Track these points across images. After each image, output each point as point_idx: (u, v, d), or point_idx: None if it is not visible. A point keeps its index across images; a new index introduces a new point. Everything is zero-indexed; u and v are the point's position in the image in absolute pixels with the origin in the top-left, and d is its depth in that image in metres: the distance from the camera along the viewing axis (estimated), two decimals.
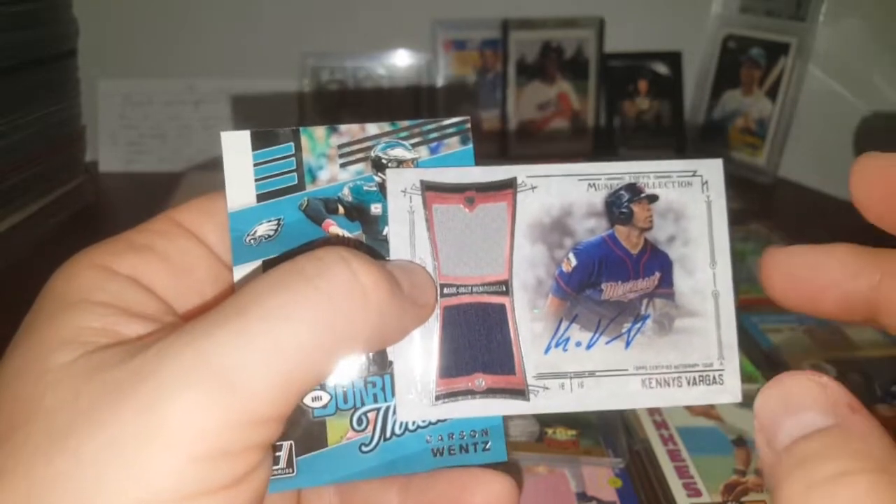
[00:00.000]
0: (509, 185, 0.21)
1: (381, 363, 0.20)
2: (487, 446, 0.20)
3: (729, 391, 0.21)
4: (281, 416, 0.16)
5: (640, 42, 0.84)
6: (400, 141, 0.21)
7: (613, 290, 0.21)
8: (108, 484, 0.14)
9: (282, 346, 0.16)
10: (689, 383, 0.21)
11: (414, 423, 0.20)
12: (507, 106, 0.83)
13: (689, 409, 0.43)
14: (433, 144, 0.21)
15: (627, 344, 0.21)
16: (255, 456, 0.16)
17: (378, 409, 0.20)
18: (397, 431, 0.20)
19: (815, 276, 0.19)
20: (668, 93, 0.85)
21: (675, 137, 0.85)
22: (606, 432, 0.41)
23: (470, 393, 0.20)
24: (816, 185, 0.78)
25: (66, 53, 0.74)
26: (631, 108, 0.86)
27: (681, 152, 0.85)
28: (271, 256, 0.20)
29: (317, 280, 0.16)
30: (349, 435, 0.20)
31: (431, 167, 0.21)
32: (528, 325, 0.21)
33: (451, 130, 0.21)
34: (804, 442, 0.15)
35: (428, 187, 0.21)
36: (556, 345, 0.20)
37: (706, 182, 0.21)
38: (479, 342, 0.20)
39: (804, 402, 0.15)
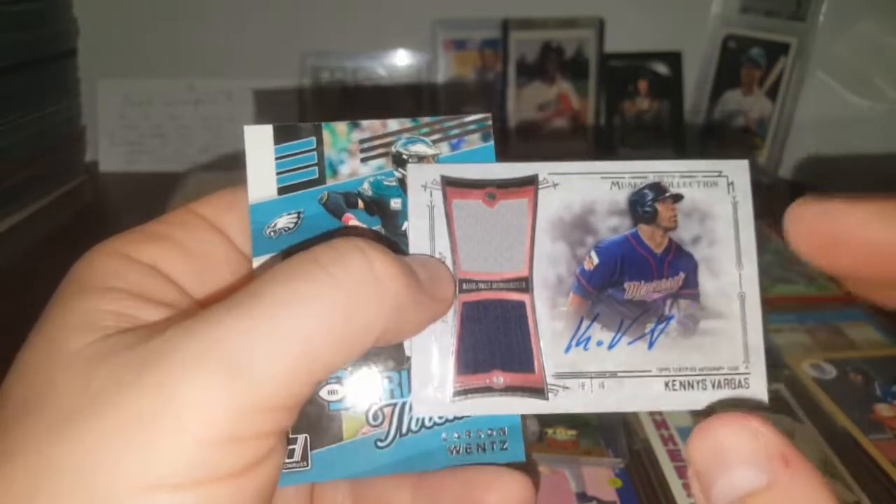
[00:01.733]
0: (531, 182, 0.21)
1: (399, 358, 0.20)
2: (505, 446, 0.20)
3: (755, 395, 0.20)
4: (291, 405, 0.16)
5: (640, 42, 0.84)
6: (421, 137, 0.21)
7: (636, 290, 0.21)
8: (112, 467, 0.14)
9: (292, 332, 0.15)
10: (713, 386, 0.20)
11: (431, 419, 0.20)
12: (507, 106, 0.83)
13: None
14: (454, 141, 0.21)
15: (650, 345, 0.20)
16: (265, 444, 0.16)
17: (395, 405, 0.20)
18: (413, 428, 0.20)
19: (837, 221, 0.18)
20: (669, 93, 0.85)
21: (674, 138, 0.85)
22: (606, 432, 0.41)
23: (488, 390, 0.20)
24: (816, 185, 0.78)
25: (66, 53, 0.74)
26: (631, 108, 0.86)
27: (681, 152, 0.85)
28: (290, 248, 0.20)
29: (331, 268, 0.16)
30: (365, 430, 0.19)
31: (452, 163, 0.21)
32: (549, 323, 0.20)
33: (472, 127, 0.21)
34: None
35: (448, 183, 0.21)
36: (577, 344, 0.20)
37: (732, 183, 0.21)
38: (498, 339, 0.20)
39: (737, 455, 0.15)
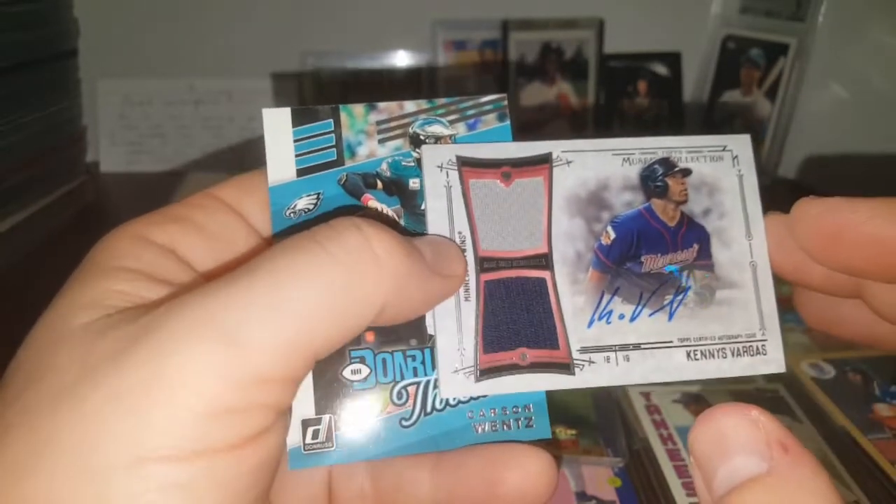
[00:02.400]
0: (545, 160, 0.21)
1: (421, 336, 0.20)
2: (531, 423, 0.20)
3: (773, 361, 0.21)
4: (289, 378, 0.16)
5: (640, 43, 0.85)
6: (438, 118, 0.21)
7: (653, 263, 0.21)
8: (105, 439, 0.14)
9: (288, 305, 0.15)
10: (733, 354, 0.20)
11: (455, 398, 0.20)
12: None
13: (689, 408, 0.43)
14: (471, 121, 0.21)
15: (670, 316, 0.20)
16: (262, 418, 0.16)
17: (418, 383, 0.20)
18: (438, 406, 0.19)
19: (842, 217, 0.19)
20: (668, 93, 0.85)
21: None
22: (606, 432, 0.41)
23: (515, 368, 0.20)
24: (815, 185, 0.78)
25: (66, 53, 0.74)
26: (630, 108, 0.86)
27: None
28: None
29: (328, 244, 0.16)
30: (389, 409, 0.19)
31: (469, 143, 0.21)
32: (570, 298, 0.20)
33: (488, 108, 0.22)
34: (739, 496, 0.14)
35: (464, 163, 0.21)
36: (600, 318, 0.20)
37: (736, 157, 0.22)
38: (521, 316, 0.20)
39: (737, 442, 0.15)
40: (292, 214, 0.20)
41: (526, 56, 0.83)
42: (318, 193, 0.20)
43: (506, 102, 0.22)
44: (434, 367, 0.20)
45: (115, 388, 0.15)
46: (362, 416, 0.19)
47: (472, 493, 0.19)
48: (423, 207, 0.21)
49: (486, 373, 0.20)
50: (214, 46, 0.80)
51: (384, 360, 0.20)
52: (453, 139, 0.21)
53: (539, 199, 0.21)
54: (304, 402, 0.19)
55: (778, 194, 0.78)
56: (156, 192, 0.70)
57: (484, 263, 0.20)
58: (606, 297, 0.20)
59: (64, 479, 0.14)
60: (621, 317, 0.20)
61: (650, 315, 0.20)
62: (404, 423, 0.19)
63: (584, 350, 0.20)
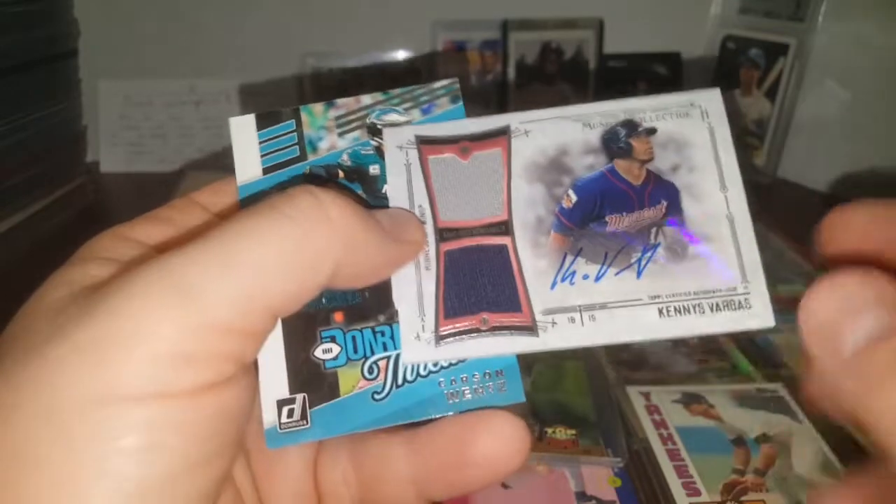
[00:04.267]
0: (503, 133, 0.21)
1: (389, 312, 0.20)
2: (503, 388, 0.20)
3: (758, 315, 0.20)
4: (246, 331, 0.17)
5: (640, 43, 0.85)
6: (393, 107, 0.22)
7: (618, 222, 0.21)
8: (69, 383, 0.15)
9: (243, 258, 0.16)
10: (711, 309, 0.19)
11: (426, 367, 0.20)
12: (508, 107, 0.83)
13: (689, 408, 0.43)
14: (425, 107, 0.22)
15: (639, 274, 0.20)
16: (221, 368, 0.16)
17: (388, 357, 0.20)
18: (409, 378, 0.20)
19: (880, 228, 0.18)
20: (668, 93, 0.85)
21: None
22: (606, 432, 0.41)
23: (475, 331, 0.20)
24: (815, 186, 0.78)
25: (66, 54, 0.74)
26: None
27: None
28: None
29: (281, 206, 0.17)
30: (361, 384, 0.20)
31: (425, 124, 0.22)
32: (532, 262, 0.20)
33: (441, 92, 0.22)
34: (873, 352, 0.14)
35: (423, 141, 0.21)
36: (563, 279, 0.20)
37: (705, 111, 0.21)
38: (482, 282, 0.20)
39: (864, 300, 0.14)
40: None
41: (526, 56, 0.83)
42: (283, 188, 0.21)
43: (457, 86, 0.22)
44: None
45: (80, 340, 0.16)
46: (335, 393, 0.20)
47: (445, 462, 0.19)
48: (383, 191, 0.21)
49: (447, 338, 0.20)
50: (215, 47, 0.80)
51: (354, 338, 0.20)
52: (410, 125, 0.22)
53: (498, 169, 0.21)
54: (278, 383, 0.20)
55: (778, 194, 0.78)
56: (156, 193, 0.70)
57: (444, 234, 0.21)
58: (569, 259, 0.20)
59: (29, 420, 0.15)
60: (585, 277, 0.20)
61: (616, 274, 0.20)
62: (377, 396, 0.20)
63: (547, 311, 0.20)
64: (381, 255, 0.19)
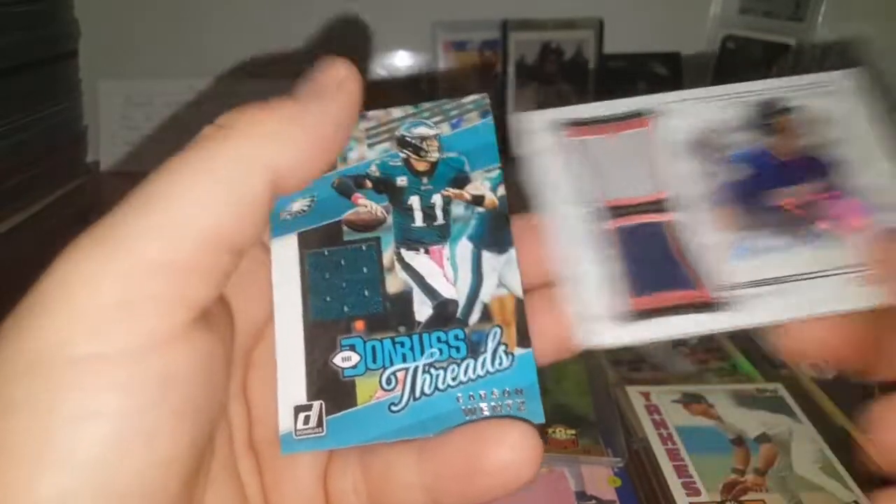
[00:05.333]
0: (646, 112, 0.22)
1: (409, 323, 0.20)
2: (523, 407, 0.19)
3: None
4: (186, 265, 0.16)
5: (640, 43, 0.85)
6: (423, 120, 0.22)
7: (780, 197, 0.20)
8: (9, 350, 0.15)
9: (157, 196, 0.16)
10: None
11: (444, 382, 0.20)
12: (507, 107, 0.83)
13: (688, 408, 0.43)
14: (454, 120, 0.22)
15: (814, 245, 0.20)
16: (169, 314, 0.16)
17: (407, 369, 0.20)
18: (427, 391, 0.20)
19: None
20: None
21: None
22: (606, 432, 0.41)
23: (659, 311, 0.19)
24: None
25: (67, 54, 0.74)
26: None
27: None
28: (305, 228, 0.21)
29: (187, 148, 0.17)
30: (378, 395, 0.20)
31: (454, 141, 0.22)
32: (701, 238, 0.20)
33: (470, 107, 0.23)
34: None
35: (563, 124, 0.22)
36: (738, 255, 0.20)
37: (847, 87, 0.21)
38: (656, 260, 0.20)
39: None
40: (288, 216, 0.21)
41: (526, 56, 0.83)
42: (313, 196, 0.21)
43: (487, 101, 0.23)
44: (421, 353, 0.20)
45: (24, 306, 0.15)
46: (352, 402, 0.20)
47: (456, 471, 0.19)
48: (409, 203, 0.21)
49: (633, 317, 0.19)
50: (215, 47, 0.80)
51: (374, 348, 0.20)
52: (438, 138, 0.22)
53: (648, 148, 0.21)
54: (295, 389, 0.20)
55: None
56: None
57: (610, 213, 0.20)
58: (740, 234, 0.20)
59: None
60: (761, 250, 0.20)
61: (792, 248, 0.20)
62: (393, 408, 0.19)
63: (727, 287, 0.19)
64: (315, 124, 0.18)
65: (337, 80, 0.19)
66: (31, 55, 0.68)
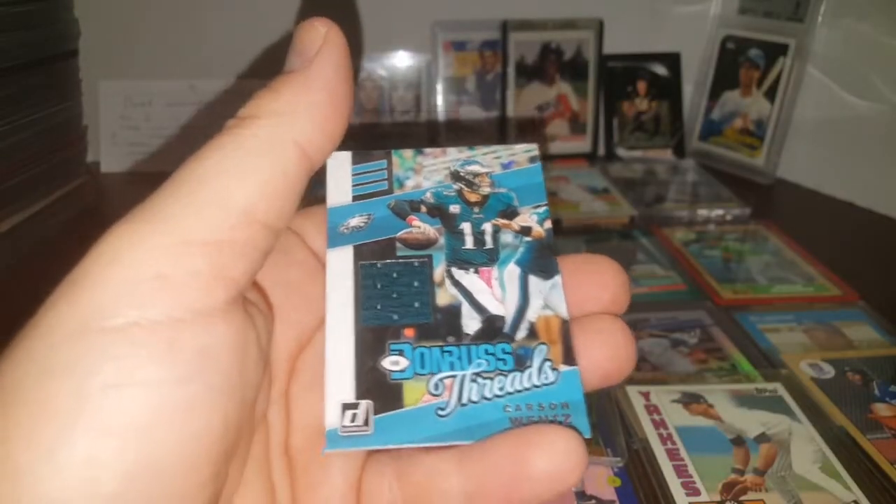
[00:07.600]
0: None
1: (458, 335, 0.21)
2: (568, 420, 0.20)
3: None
4: (224, 242, 0.16)
5: (639, 43, 0.85)
6: (475, 159, 0.24)
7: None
8: (49, 319, 0.15)
9: (197, 176, 0.17)
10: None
11: (491, 392, 0.20)
12: (507, 107, 0.83)
13: (688, 408, 0.43)
14: (505, 162, 0.24)
15: None
16: (204, 292, 0.16)
17: (455, 377, 0.20)
18: (474, 398, 0.20)
19: None
20: (667, 94, 0.86)
21: (673, 138, 0.86)
22: (606, 432, 0.41)
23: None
24: (815, 186, 0.78)
25: (67, 54, 0.74)
26: (630, 108, 0.86)
27: (679, 153, 0.85)
28: (361, 242, 0.22)
29: (222, 133, 0.18)
30: (425, 398, 0.20)
31: (504, 179, 0.24)
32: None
33: (520, 152, 0.25)
34: None
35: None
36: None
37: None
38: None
39: None
40: (346, 230, 0.22)
41: (526, 56, 0.83)
42: (370, 214, 0.23)
43: (537, 151, 0.24)
44: (469, 363, 0.20)
45: (68, 282, 0.16)
46: (399, 404, 0.20)
47: (500, 478, 0.18)
48: (460, 228, 0.23)
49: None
50: (215, 47, 0.80)
51: (422, 354, 0.20)
52: (490, 176, 0.24)
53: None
54: (344, 387, 0.20)
55: (777, 195, 0.78)
56: None
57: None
58: None
59: (7, 358, 0.15)
60: None
61: None
62: (440, 412, 0.20)
63: None
64: (321, 86, 0.19)
65: (320, 36, 0.21)
66: (31, 55, 0.68)
